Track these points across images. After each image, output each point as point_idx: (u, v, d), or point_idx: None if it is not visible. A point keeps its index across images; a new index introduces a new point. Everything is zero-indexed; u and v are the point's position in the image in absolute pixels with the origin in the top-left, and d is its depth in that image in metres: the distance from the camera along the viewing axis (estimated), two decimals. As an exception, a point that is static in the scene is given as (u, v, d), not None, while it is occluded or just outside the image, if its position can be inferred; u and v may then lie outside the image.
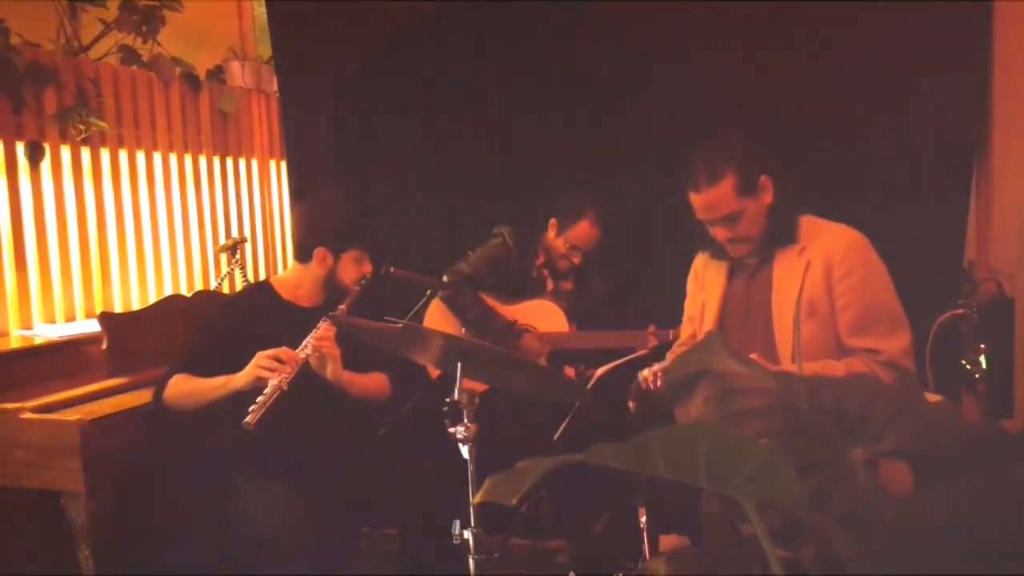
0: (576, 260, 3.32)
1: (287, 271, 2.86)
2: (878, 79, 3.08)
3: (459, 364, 2.02)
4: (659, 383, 2.33)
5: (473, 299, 3.21)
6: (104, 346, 3.07)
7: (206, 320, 2.76)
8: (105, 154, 3.74)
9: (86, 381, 2.96)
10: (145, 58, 3.90)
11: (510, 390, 2.40)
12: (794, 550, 1.09)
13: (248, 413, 2.33)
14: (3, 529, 2.79)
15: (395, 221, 3.78)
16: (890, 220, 3.00)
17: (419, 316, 3.17)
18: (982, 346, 2.83)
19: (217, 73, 4.50)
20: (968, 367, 2.87)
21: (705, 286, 2.47)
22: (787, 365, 2.22)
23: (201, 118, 4.30)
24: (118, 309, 3.70)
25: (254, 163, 4.73)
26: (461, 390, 2.02)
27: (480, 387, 2.12)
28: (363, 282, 2.65)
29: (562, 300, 3.35)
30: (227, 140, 4.50)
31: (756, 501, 0.98)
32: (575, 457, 0.97)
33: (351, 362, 2.58)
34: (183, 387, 2.55)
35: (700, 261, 2.53)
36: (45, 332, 3.29)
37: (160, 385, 2.59)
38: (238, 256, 4.14)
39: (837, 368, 2.15)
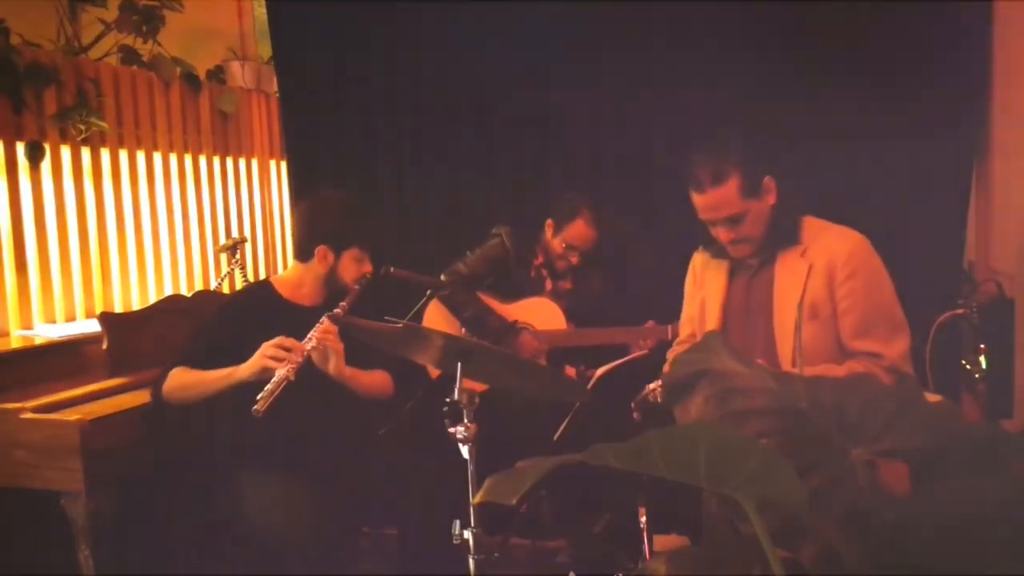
0: (574, 260, 3.31)
1: (287, 270, 2.86)
2: (878, 79, 3.08)
3: (459, 364, 2.02)
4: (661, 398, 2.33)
5: (471, 298, 3.21)
6: (104, 346, 3.07)
7: (207, 318, 2.77)
8: (105, 154, 3.74)
9: (86, 381, 2.96)
10: (145, 58, 3.90)
11: (510, 390, 2.40)
12: (794, 550, 1.09)
13: (257, 401, 2.33)
14: (3, 529, 2.79)
15: (395, 221, 3.78)
16: (890, 220, 3.00)
17: (419, 316, 3.17)
18: (982, 346, 2.84)
19: (217, 73, 4.50)
20: (968, 367, 2.88)
21: (705, 286, 2.47)
22: (787, 367, 2.22)
23: (201, 118, 4.31)
24: (118, 309, 3.70)
25: (254, 163, 4.73)
26: (461, 390, 2.02)
27: (480, 387, 2.12)
28: (363, 281, 2.65)
29: (561, 299, 3.35)
30: (227, 140, 4.50)
31: (756, 501, 0.98)
32: (575, 457, 0.97)
33: (354, 359, 2.58)
34: (183, 379, 2.55)
35: (699, 260, 2.52)
36: (45, 332, 3.29)
37: (159, 378, 2.58)
38: (238, 256, 4.14)
39: (837, 372, 2.15)
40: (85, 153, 3.64)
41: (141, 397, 2.79)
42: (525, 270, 3.37)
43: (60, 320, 3.49)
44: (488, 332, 3.15)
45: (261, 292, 2.76)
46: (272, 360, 2.42)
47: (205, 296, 3.58)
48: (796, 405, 1.22)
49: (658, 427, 0.98)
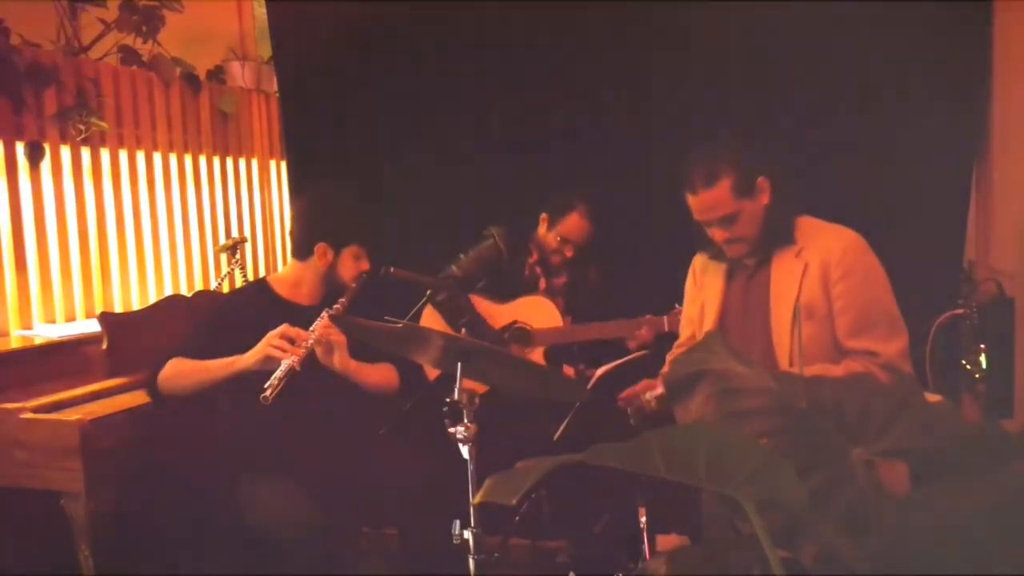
0: (568, 253, 3.31)
1: (285, 269, 2.86)
2: (878, 79, 3.08)
3: (459, 364, 2.02)
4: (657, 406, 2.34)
5: (464, 305, 3.19)
6: (104, 346, 3.07)
7: (204, 317, 2.76)
8: (105, 154, 3.74)
9: (86, 381, 2.95)
10: (145, 58, 3.90)
11: (510, 390, 2.40)
12: (794, 550, 1.09)
13: (265, 389, 2.33)
14: (3, 529, 2.79)
15: (395, 221, 3.78)
16: (890, 220, 3.00)
17: (419, 316, 3.17)
18: (982, 346, 2.84)
19: (217, 73, 4.50)
20: (968, 367, 2.88)
21: (704, 287, 2.48)
22: (785, 366, 2.22)
23: (201, 118, 4.30)
24: (118, 309, 3.70)
25: (254, 163, 4.73)
26: (461, 390, 2.02)
27: (480, 387, 2.12)
28: (361, 279, 2.65)
29: (556, 296, 3.35)
30: (227, 140, 4.50)
31: (756, 501, 0.98)
32: (575, 457, 0.97)
33: (358, 352, 2.58)
34: (181, 367, 2.53)
35: (699, 262, 2.53)
36: (45, 332, 3.29)
37: (155, 370, 2.56)
38: (238, 256, 4.14)
39: (835, 371, 2.15)
40: (85, 153, 3.64)
41: (141, 397, 2.78)
42: (519, 269, 3.37)
43: (60, 320, 3.49)
44: (482, 339, 3.15)
45: (258, 291, 2.76)
46: (277, 350, 2.41)
47: (205, 296, 3.58)
48: (796, 405, 1.22)
49: (658, 427, 0.98)
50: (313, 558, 2.35)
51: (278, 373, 2.36)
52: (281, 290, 2.70)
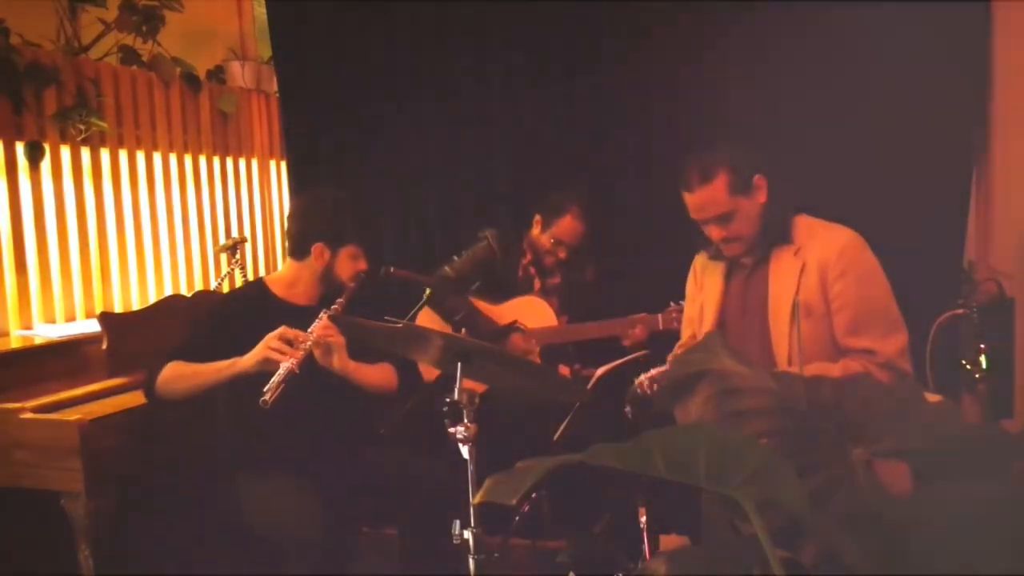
0: (562, 255, 3.31)
1: (281, 269, 2.85)
2: (878, 79, 3.08)
3: (459, 364, 2.02)
4: (654, 388, 2.33)
5: (460, 303, 3.19)
6: (104, 346, 3.07)
7: (201, 317, 2.75)
8: (105, 154, 3.74)
9: (86, 381, 2.96)
10: (145, 58, 3.90)
11: (510, 390, 2.40)
12: (794, 550, 1.09)
13: (265, 392, 2.32)
14: (3, 529, 2.79)
15: (395, 221, 3.78)
16: (890, 220, 3.00)
17: (415, 317, 3.17)
18: (982, 346, 2.84)
19: (217, 73, 4.50)
20: (968, 367, 2.88)
21: (703, 288, 2.48)
22: (783, 366, 2.22)
23: (201, 118, 4.30)
24: (118, 309, 3.70)
25: (254, 163, 4.73)
26: (461, 390, 2.02)
27: (480, 387, 2.12)
28: (359, 279, 2.64)
29: (550, 296, 3.35)
30: (227, 140, 4.50)
31: (756, 501, 0.98)
32: (575, 457, 0.97)
33: (357, 352, 2.57)
34: (179, 371, 2.52)
35: (699, 262, 2.53)
36: (45, 332, 3.29)
37: (152, 373, 2.55)
38: (238, 256, 4.14)
39: (833, 371, 2.15)
40: (85, 153, 3.64)
41: (141, 397, 2.77)
42: (513, 270, 3.37)
43: (60, 320, 3.49)
44: (480, 336, 3.15)
45: (255, 292, 2.75)
46: (275, 352, 2.40)
47: (205, 296, 3.58)
48: (796, 405, 1.23)
49: (658, 427, 0.98)
50: (313, 558, 2.35)
51: (277, 376, 2.34)
52: (278, 290, 2.70)
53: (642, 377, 2.38)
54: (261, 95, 4.72)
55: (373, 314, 2.33)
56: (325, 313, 2.51)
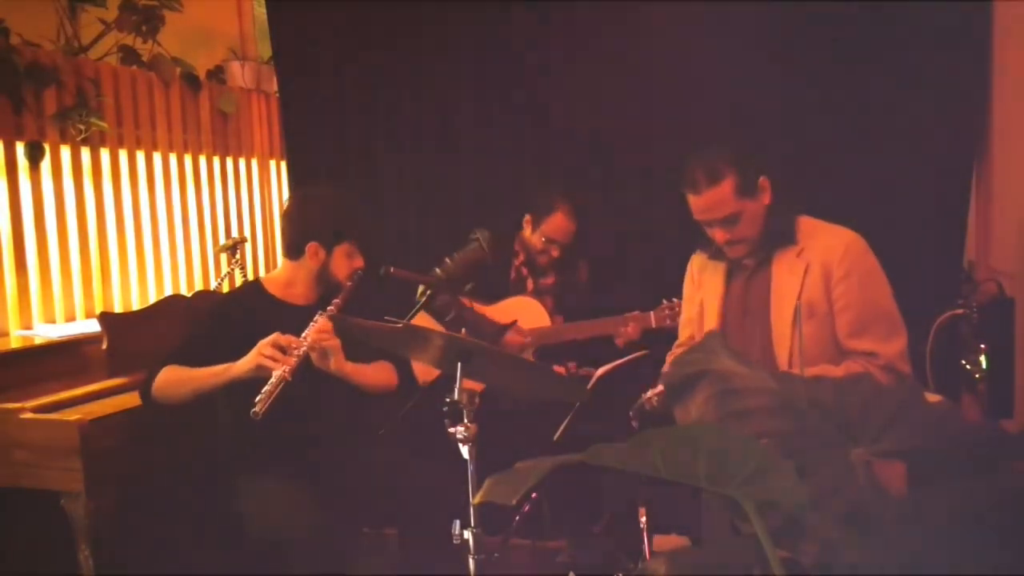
0: (554, 253, 3.31)
1: (277, 269, 2.84)
2: (878, 79, 3.08)
3: (459, 364, 2.02)
4: (656, 403, 2.34)
5: (452, 302, 3.19)
6: (104, 346, 3.07)
7: (197, 319, 2.75)
8: (105, 154, 3.74)
9: (86, 381, 2.95)
10: (145, 58, 3.90)
11: (510, 390, 2.40)
12: (794, 550, 1.09)
13: (255, 403, 2.31)
14: (3, 529, 2.79)
15: (395, 221, 3.78)
16: (890, 220, 3.01)
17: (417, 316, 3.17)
18: (982, 346, 2.84)
19: (217, 73, 4.49)
20: (968, 367, 2.88)
21: (703, 287, 2.47)
22: (785, 367, 2.22)
23: (201, 118, 4.30)
24: (118, 309, 3.70)
25: (254, 163, 4.73)
26: (461, 390, 2.02)
27: (479, 387, 2.12)
28: (356, 277, 2.64)
29: (543, 296, 3.35)
30: (227, 140, 4.50)
31: (756, 501, 0.98)
32: (575, 457, 0.97)
33: (354, 353, 2.57)
34: (175, 375, 2.51)
35: (696, 262, 2.52)
36: (45, 332, 3.29)
37: (148, 377, 2.55)
38: (238, 256, 4.14)
39: (835, 372, 2.15)
40: (85, 153, 3.64)
41: (139, 389, 2.78)
42: (505, 270, 3.36)
43: (60, 320, 3.49)
44: (476, 336, 3.14)
45: (251, 292, 2.74)
46: (268, 359, 2.39)
47: (205, 296, 3.57)
48: (796, 405, 1.22)
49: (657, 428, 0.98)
50: (313, 559, 2.35)
51: (268, 386, 2.33)
52: (275, 291, 2.69)
53: (649, 393, 2.38)
54: (261, 95, 4.72)
55: (373, 314, 2.33)
56: (321, 315, 2.51)
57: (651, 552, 2.46)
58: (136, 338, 3.12)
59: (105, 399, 2.84)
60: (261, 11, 4.45)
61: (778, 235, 2.30)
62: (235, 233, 4.53)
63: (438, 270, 3.20)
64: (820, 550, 1.08)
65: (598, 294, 3.38)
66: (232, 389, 2.47)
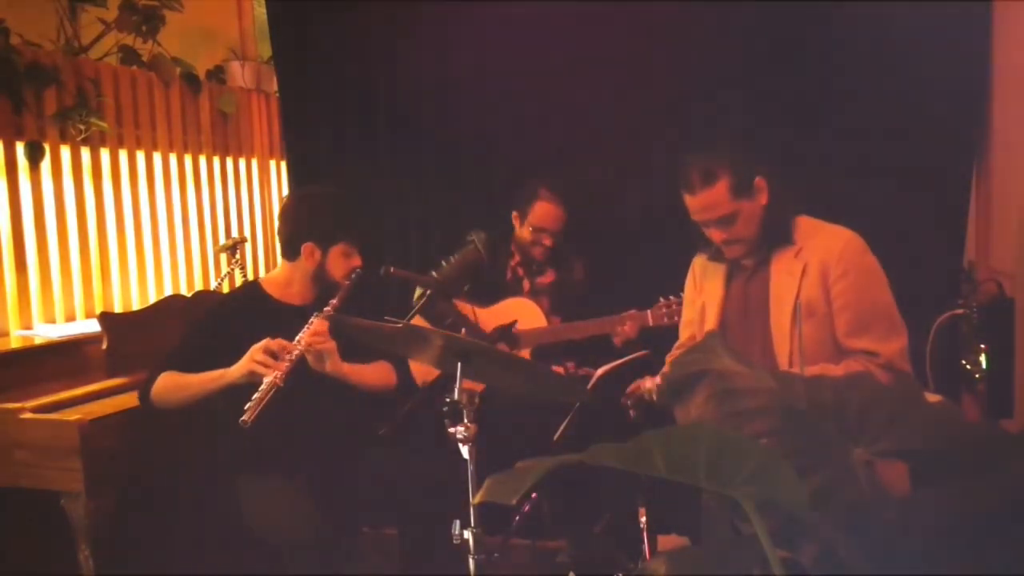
0: (547, 242, 3.29)
1: (275, 270, 2.84)
2: (878, 79, 3.08)
3: (459, 364, 2.02)
4: (653, 396, 2.34)
5: (448, 308, 3.18)
6: (104, 346, 3.07)
7: (196, 321, 2.75)
8: (105, 154, 3.74)
9: (86, 381, 2.96)
10: (145, 58, 3.90)
11: (510, 390, 2.39)
12: (794, 550, 1.09)
13: (244, 411, 2.31)
14: (3, 529, 2.79)
15: (395, 221, 3.78)
16: (890, 220, 3.00)
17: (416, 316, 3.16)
18: (982, 346, 2.84)
19: (217, 73, 4.50)
20: (968, 367, 2.88)
21: (704, 290, 2.47)
22: (785, 367, 2.22)
23: (201, 118, 4.30)
24: (118, 309, 3.70)
25: (254, 163, 4.73)
26: (461, 390, 2.02)
27: (480, 387, 2.12)
28: (353, 277, 2.64)
29: (540, 297, 3.34)
30: (227, 140, 4.50)
31: (756, 501, 0.98)
32: (575, 457, 0.97)
33: (352, 352, 2.57)
34: (172, 382, 2.52)
35: (698, 264, 2.53)
36: (45, 332, 3.29)
37: (146, 383, 2.56)
38: (238, 256, 4.14)
39: (835, 372, 2.15)
40: (85, 153, 3.64)
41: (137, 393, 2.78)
42: (501, 272, 3.36)
43: (60, 320, 3.49)
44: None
45: (250, 293, 2.74)
46: (260, 365, 2.39)
47: (205, 296, 3.58)
48: (796, 405, 1.22)
49: (658, 427, 0.98)
50: (313, 558, 2.35)
51: (258, 393, 2.33)
52: (273, 291, 2.69)
53: (648, 383, 2.38)
54: (261, 95, 4.72)
55: (373, 314, 2.33)
56: (316, 316, 2.51)
57: (651, 552, 2.46)
58: (136, 338, 3.12)
59: (105, 399, 2.85)
60: (261, 11, 4.45)
61: (776, 235, 2.30)
62: (235, 233, 4.53)
63: (435, 273, 3.19)
64: (820, 550, 1.08)
65: (595, 293, 3.37)
66: (230, 391, 2.47)
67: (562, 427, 2.56)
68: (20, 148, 3.33)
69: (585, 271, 3.40)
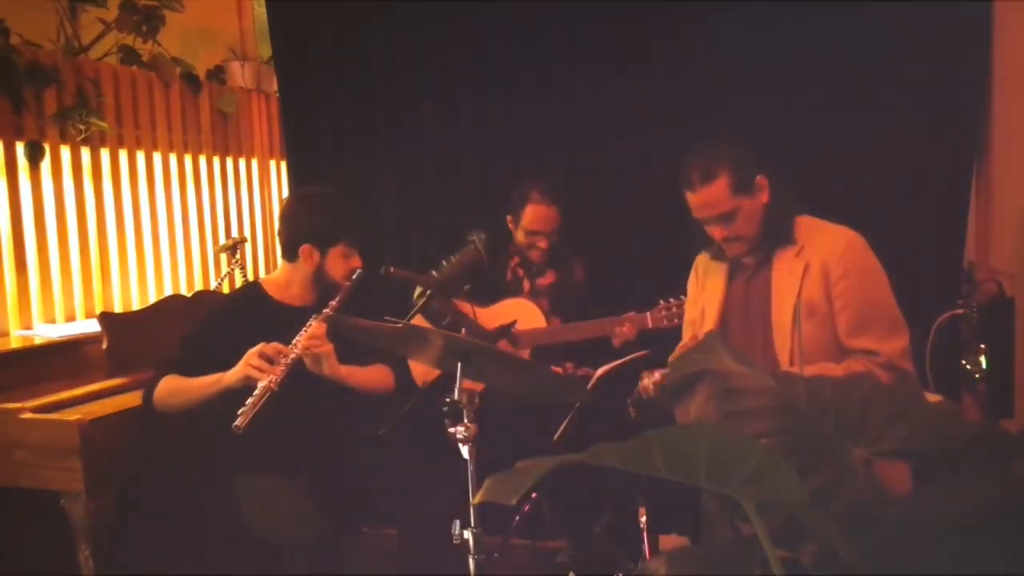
0: (542, 245, 3.29)
1: (276, 271, 2.84)
2: (878, 79, 3.08)
3: (459, 364, 2.02)
4: (656, 391, 2.34)
5: (446, 306, 3.18)
6: (104, 346, 3.07)
7: (196, 323, 2.75)
8: (105, 154, 3.74)
9: (86, 381, 2.95)
10: (145, 58, 3.90)
11: (511, 390, 2.39)
12: (794, 550, 1.09)
13: (238, 416, 2.31)
14: (3, 529, 2.79)
15: (395, 221, 3.78)
16: (890, 220, 3.00)
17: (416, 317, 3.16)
18: (982, 346, 2.84)
19: (217, 73, 4.50)
20: (968, 367, 2.88)
21: (705, 289, 2.47)
22: (786, 367, 2.22)
23: (201, 118, 4.30)
24: (118, 309, 3.70)
25: (254, 163, 4.73)
26: (461, 390, 2.02)
27: (480, 387, 2.12)
28: (355, 277, 2.63)
29: (540, 298, 3.34)
30: (227, 140, 4.50)
31: (756, 501, 0.98)
32: (575, 457, 0.97)
33: (351, 354, 2.57)
34: (173, 386, 2.53)
35: (701, 263, 2.53)
36: (45, 332, 3.29)
37: (149, 387, 2.57)
38: (238, 256, 4.14)
39: (835, 371, 2.15)
40: (85, 153, 3.64)
41: (141, 397, 2.78)
42: (501, 272, 3.36)
43: (60, 320, 3.49)
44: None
45: (251, 294, 2.74)
46: (255, 370, 2.39)
47: (205, 296, 3.57)
48: (796, 405, 1.22)
49: (658, 427, 0.98)
50: (313, 558, 2.35)
51: (252, 398, 2.33)
52: (274, 293, 2.69)
53: (647, 380, 2.38)
54: (261, 95, 4.72)
55: (373, 314, 2.33)
56: (315, 318, 2.51)
57: (651, 552, 2.46)
58: (136, 338, 3.12)
59: (105, 399, 2.85)
60: (261, 11, 4.45)
61: (777, 234, 2.31)
62: (235, 233, 4.53)
63: (435, 273, 3.20)
64: (820, 550, 1.08)
65: (595, 294, 3.37)
66: (229, 394, 2.47)
67: (562, 427, 2.56)
68: (20, 148, 3.33)
69: (585, 272, 3.39)
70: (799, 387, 1.26)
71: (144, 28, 3.78)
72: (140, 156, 3.93)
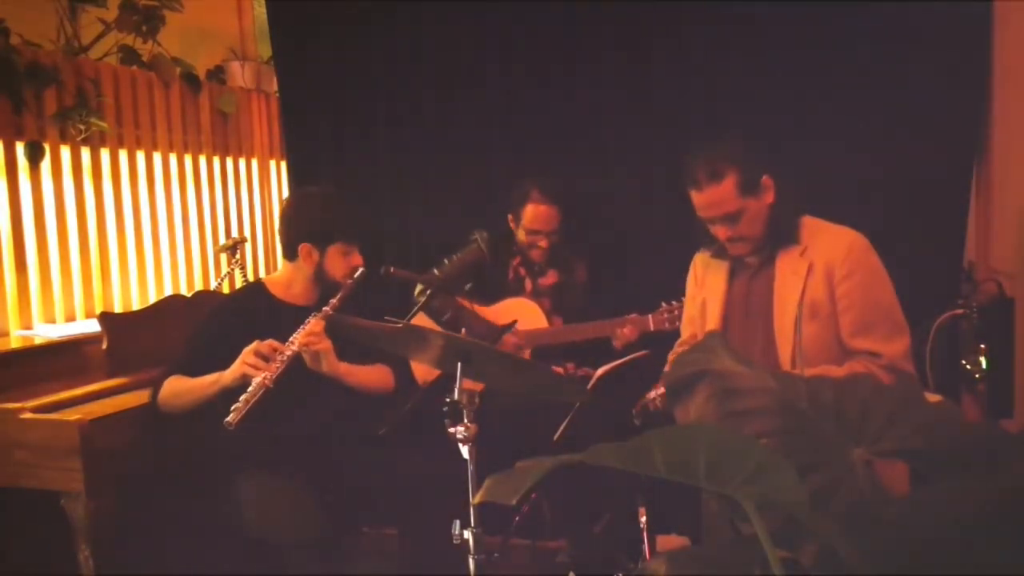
0: (543, 243, 3.28)
1: (278, 271, 2.86)
2: (878, 79, 3.08)
3: (459, 364, 2.02)
4: (660, 403, 2.35)
5: (448, 302, 3.18)
6: (104, 346, 3.07)
7: (200, 322, 2.76)
8: (105, 154, 3.74)
9: (86, 381, 2.95)
10: (145, 58, 3.90)
11: (511, 390, 2.39)
12: (794, 550, 1.09)
13: (230, 412, 2.32)
14: (3, 529, 2.79)
15: (395, 221, 3.78)
16: (890, 220, 3.00)
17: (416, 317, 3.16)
18: (982, 346, 2.84)
19: (217, 73, 4.50)
20: (968, 367, 2.88)
21: (705, 286, 2.47)
22: (787, 367, 2.22)
23: (201, 118, 4.30)
24: (118, 309, 3.70)
25: (254, 163, 4.73)
26: (461, 390, 2.02)
27: (480, 387, 2.12)
28: (356, 276, 2.64)
29: (542, 297, 3.34)
30: (227, 140, 4.50)
31: (756, 501, 0.98)
32: (575, 457, 0.97)
33: (351, 354, 2.57)
34: (175, 387, 2.56)
35: (700, 260, 2.53)
36: (45, 332, 3.29)
37: (155, 388, 2.59)
38: (238, 256, 4.14)
39: (837, 372, 2.15)
40: (85, 153, 3.64)
41: (141, 397, 2.79)
42: (503, 271, 3.36)
43: (60, 320, 3.49)
44: (474, 336, 3.13)
45: (254, 293, 2.75)
46: (251, 368, 2.40)
47: (205, 296, 3.57)
48: (796, 405, 1.22)
49: (658, 427, 0.98)
50: (313, 558, 2.35)
51: (246, 394, 2.34)
52: (277, 292, 2.70)
53: (654, 394, 2.38)
54: (261, 95, 4.72)
55: (373, 314, 2.33)
56: (314, 317, 2.51)
57: (651, 552, 2.46)
58: (136, 338, 3.12)
59: (105, 399, 2.85)
60: (261, 11, 4.45)
61: (781, 234, 2.30)
62: (235, 233, 4.53)
63: (436, 271, 3.19)
64: (820, 550, 1.08)
65: (597, 295, 3.37)
66: (228, 393, 2.48)
67: (562, 427, 2.56)
68: (20, 148, 3.33)
69: (587, 273, 3.39)
70: (799, 387, 1.26)
71: (144, 28, 3.78)
72: (140, 156, 3.93)
